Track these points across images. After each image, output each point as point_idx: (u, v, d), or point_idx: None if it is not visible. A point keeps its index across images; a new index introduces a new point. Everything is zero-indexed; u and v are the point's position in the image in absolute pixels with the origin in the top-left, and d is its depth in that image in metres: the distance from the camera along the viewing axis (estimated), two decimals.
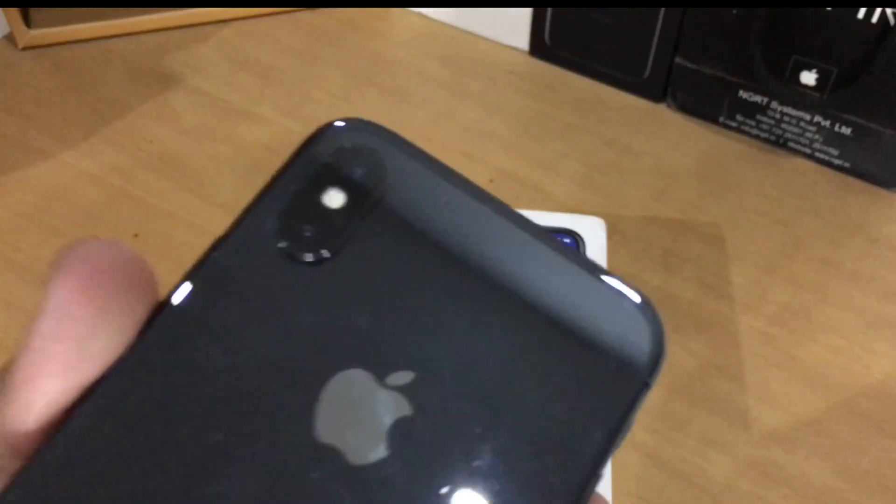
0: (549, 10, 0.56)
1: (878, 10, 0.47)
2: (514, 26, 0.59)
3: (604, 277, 0.16)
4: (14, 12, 0.57)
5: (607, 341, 0.16)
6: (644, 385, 0.16)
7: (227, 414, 0.15)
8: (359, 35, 0.61)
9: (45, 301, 0.15)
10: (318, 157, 0.17)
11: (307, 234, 0.16)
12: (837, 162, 0.53)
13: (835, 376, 0.44)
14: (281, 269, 0.16)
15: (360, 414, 0.15)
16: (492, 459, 0.15)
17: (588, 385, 0.16)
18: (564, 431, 0.15)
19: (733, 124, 0.55)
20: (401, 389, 0.15)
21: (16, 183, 0.52)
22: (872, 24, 0.47)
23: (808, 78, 0.51)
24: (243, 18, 0.61)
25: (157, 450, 0.15)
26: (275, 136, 0.54)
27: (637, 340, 0.16)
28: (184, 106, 0.56)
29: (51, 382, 0.15)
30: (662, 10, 0.52)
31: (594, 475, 0.15)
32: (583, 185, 0.52)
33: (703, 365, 0.45)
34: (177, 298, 0.16)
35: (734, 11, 0.50)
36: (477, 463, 0.15)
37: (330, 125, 0.17)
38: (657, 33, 0.54)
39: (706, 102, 0.55)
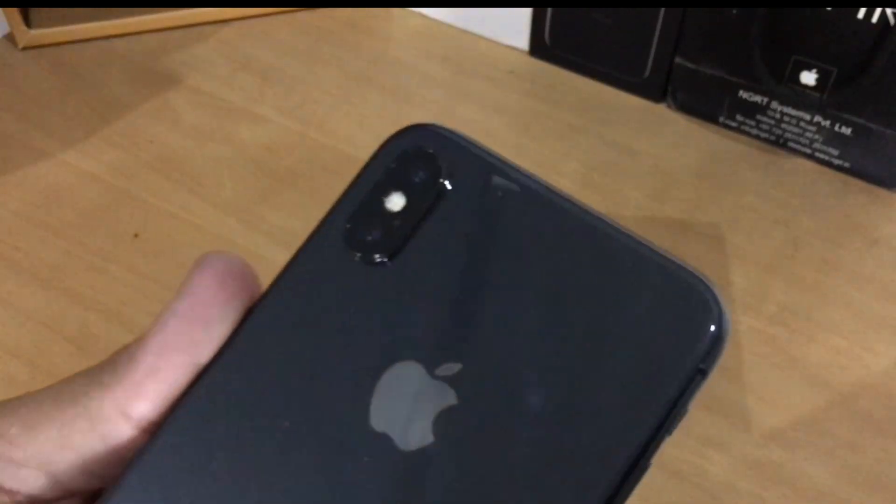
0: (549, 10, 0.56)
1: (878, 10, 0.47)
2: (514, 26, 0.59)
3: (662, 259, 0.16)
4: (14, 12, 0.57)
5: (661, 326, 0.16)
6: (698, 371, 0.15)
7: (299, 404, 0.17)
8: (359, 35, 0.61)
9: (185, 287, 0.18)
10: (387, 164, 0.18)
11: (374, 237, 0.17)
12: (837, 162, 0.53)
13: (835, 376, 0.44)
14: (352, 271, 0.17)
15: (410, 403, 0.16)
16: (533, 448, 0.16)
17: (638, 371, 0.16)
18: (610, 421, 0.15)
19: (733, 124, 0.55)
20: (448, 380, 0.16)
21: (16, 183, 0.52)
22: (872, 24, 0.47)
23: (808, 78, 0.51)
24: (243, 18, 0.61)
25: (243, 436, 0.17)
26: (275, 136, 0.54)
27: (693, 325, 0.15)
28: (184, 106, 0.56)
29: (178, 356, 0.18)
30: (662, 10, 0.52)
31: (640, 465, 0.16)
32: (583, 185, 0.52)
33: None
34: (264, 300, 0.18)
35: (734, 11, 0.50)
36: (519, 451, 0.16)
37: (400, 132, 0.18)
38: (657, 33, 0.54)
39: (706, 102, 0.55)
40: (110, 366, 0.19)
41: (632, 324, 0.16)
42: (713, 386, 0.44)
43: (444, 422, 0.16)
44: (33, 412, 0.19)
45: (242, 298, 0.19)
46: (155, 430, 0.18)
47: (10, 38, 0.59)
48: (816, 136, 0.53)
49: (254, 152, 0.54)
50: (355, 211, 0.18)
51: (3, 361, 0.44)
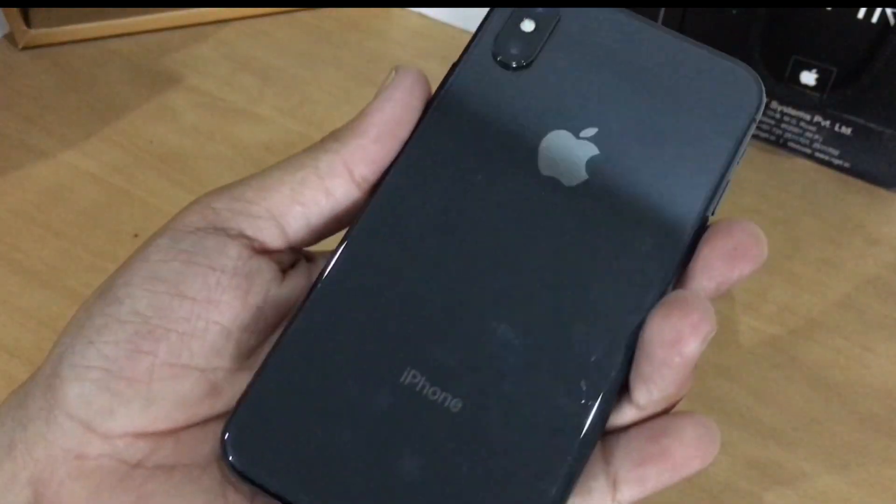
0: None
1: (878, 10, 0.47)
2: None
3: (717, 55, 0.24)
4: (14, 12, 0.57)
5: (731, 91, 0.24)
6: (752, 119, 0.23)
7: (486, 161, 0.23)
8: (359, 35, 0.61)
9: (395, 82, 0.24)
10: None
11: (516, 50, 0.24)
12: (837, 162, 0.53)
13: (835, 376, 0.44)
14: (502, 74, 0.24)
15: (566, 155, 0.23)
16: (650, 162, 0.23)
17: (722, 116, 0.23)
18: (704, 145, 0.23)
19: None
20: (590, 139, 0.23)
21: (16, 183, 0.52)
22: (872, 24, 0.47)
23: (808, 78, 0.51)
24: (243, 18, 0.61)
25: (452, 177, 0.23)
26: (275, 136, 0.54)
27: (745, 92, 0.24)
28: (184, 106, 0.56)
29: (396, 129, 0.23)
30: (662, 10, 0.52)
31: (726, 176, 0.23)
32: None
33: (703, 365, 0.45)
34: (440, 95, 0.24)
35: (734, 11, 0.50)
36: (639, 166, 0.23)
37: None
38: None
39: None
40: (332, 139, 0.24)
41: (712, 91, 0.24)
42: (713, 386, 0.44)
43: (592, 165, 0.23)
44: (265, 179, 0.24)
45: (427, 95, 0.24)
46: (376, 188, 0.23)
47: (10, 38, 0.59)
48: (816, 136, 0.53)
49: (254, 152, 0.54)
50: (499, 32, 0.24)
51: (3, 361, 0.44)
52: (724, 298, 0.47)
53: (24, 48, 0.58)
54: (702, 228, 0.23)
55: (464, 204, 0.23)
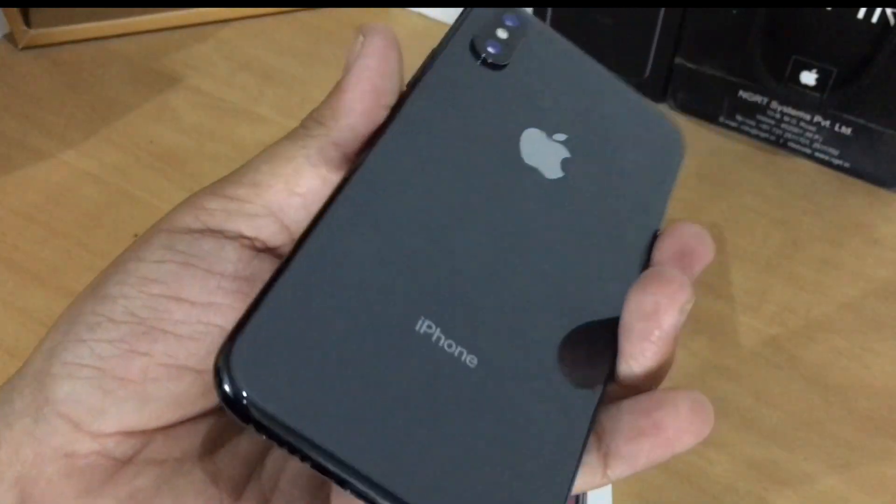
0: (549, 9, 0.56)
1: (878, 10, 0.47)
2: None
3: (649, 106, 0.28)
4: (14, 12, 0.57)
5: (662, 141, 0.28)
6: (678, 166, 0.27)
7: (469, 150, 0.24)
8: None
9: (367, 49, 0.23)
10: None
11: (494, 50, 0.25)
12: (837, 162, 0.53)
13: (835, 376, 0.44)
14: (479, 71, 0.25)
15: (544, 151, 0.25)
16: (606, 181, 0.26)
17: (658, 162, 0.27)
18: (645, 176, 0.26)
19: (733, 124, 0.55)
20: (561, 142, 0.25)
21: (16, 183, 0.52)
22: (872, 24, 0.47)
23: (808, 78, 0.51)
24: (243, 18, 0.61)
25: (438, 158, 0.23)
26: (275, 136, 0.54)
27: (673, 139, 0.28)
28: (184, 106, 0.56)
29: (378, 99, 0.22)
30: (662, 10, 0.52)
31: (664, 209, 0.26)
32: None
33: (703, 365, 0.45)
34: (420, 81, 0.24)
35: (734, 11, 0.50)
36: (604, 178, 0.26)
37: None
38: (657, 33, 0.54)
39: (706, 102, 0.55)
40: (314, 122, 0.23)
41: (653, 129, 0.28)
42: (713, 386, 0.44)
43: (565, 165, 0.25)
44: (256, 175, 0.23)
45: (399, 55, 0.24)
46: (360, 157, 0.22)
47: (10, 38, 0.59)
48: (816, 136, 0.53)
49: (254, 152, 0.53)
50: (480, 30, 0.26)
51: (3, 361, 0.44)
52: (724, 298, 0.47)
53: (24, 48, 0.58)
54: (654, 238, 0.26)
55: (465, 170, 0.23)
